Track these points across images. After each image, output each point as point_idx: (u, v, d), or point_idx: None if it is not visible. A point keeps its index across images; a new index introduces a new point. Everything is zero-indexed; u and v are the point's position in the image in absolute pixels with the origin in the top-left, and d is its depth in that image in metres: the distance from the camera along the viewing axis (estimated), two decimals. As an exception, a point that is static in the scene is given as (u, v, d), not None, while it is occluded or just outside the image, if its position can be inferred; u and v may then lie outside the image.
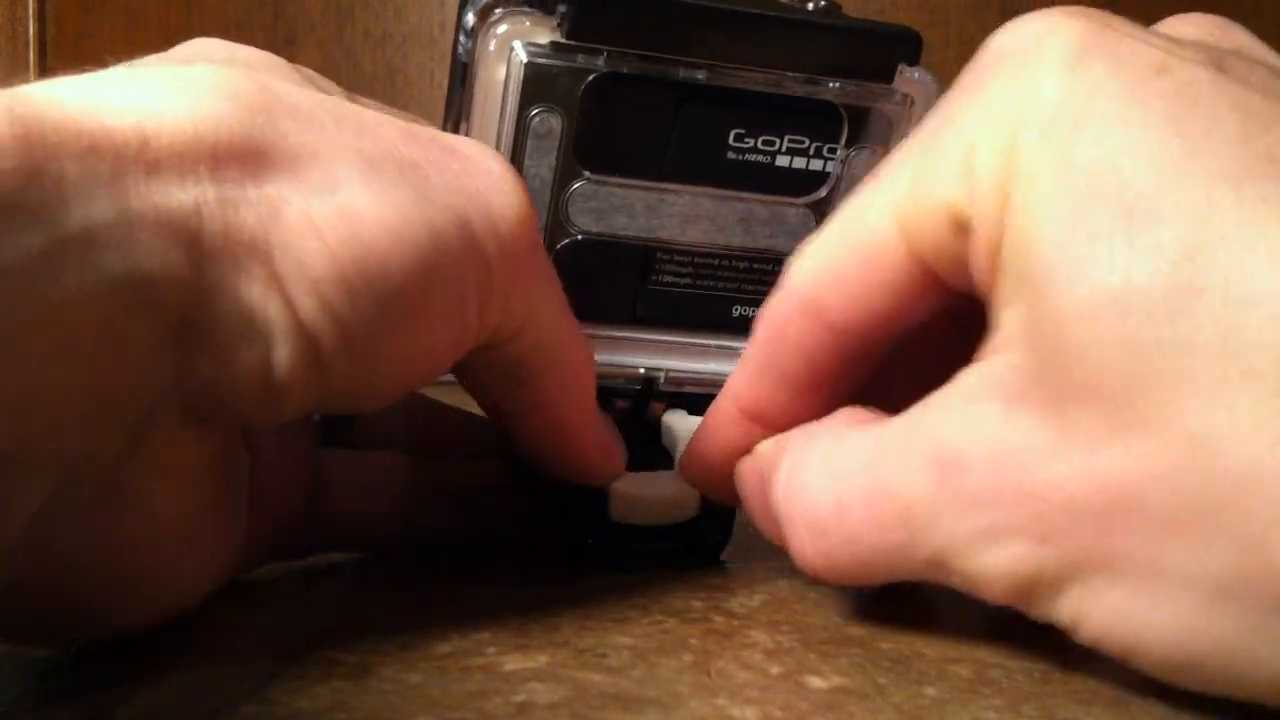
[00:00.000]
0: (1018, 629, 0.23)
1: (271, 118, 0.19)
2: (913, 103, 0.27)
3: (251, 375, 0.18)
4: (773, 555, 0.29)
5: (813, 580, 0.23)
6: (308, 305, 0.18)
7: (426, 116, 0.24)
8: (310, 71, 0.23)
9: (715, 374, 0.28)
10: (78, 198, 0.16)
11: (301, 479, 0.25)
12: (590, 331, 0.27)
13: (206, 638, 0.22)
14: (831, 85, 0.26)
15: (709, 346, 0.29)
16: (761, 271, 0.28)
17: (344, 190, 0.19)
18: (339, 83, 0.24)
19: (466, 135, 0.25)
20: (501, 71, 0.25)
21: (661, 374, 0.28)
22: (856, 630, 0.23)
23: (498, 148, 0.25)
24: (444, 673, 0.20)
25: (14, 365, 0.16)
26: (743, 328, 0.28)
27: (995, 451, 0.19)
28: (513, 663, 0.20)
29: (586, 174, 0.26)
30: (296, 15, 0.92)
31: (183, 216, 0.17)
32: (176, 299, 0.17)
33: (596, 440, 0.26)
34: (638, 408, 0.29)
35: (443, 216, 0.20)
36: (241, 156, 0.18)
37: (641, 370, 0.28)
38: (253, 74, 0.20)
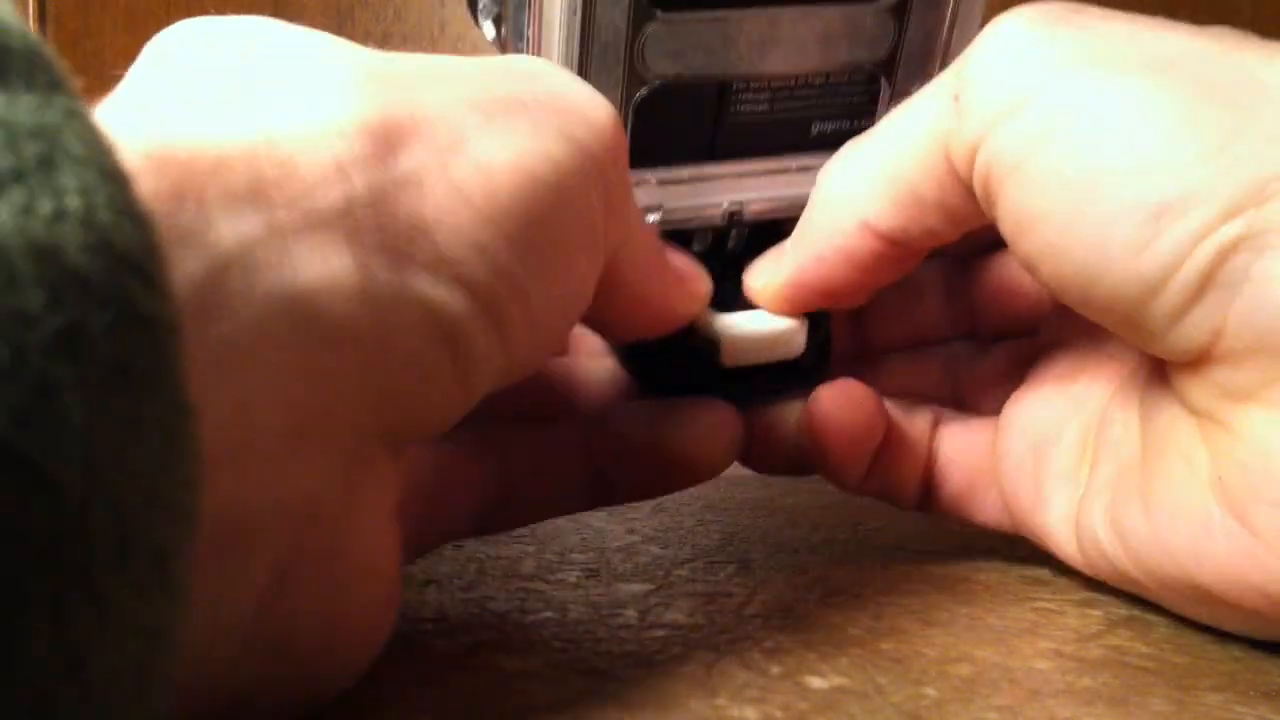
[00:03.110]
0: (1016, 629, 0.23)
1: (385, 87, 0.18)
2: None
3: (446, 374, 0.17)
4: (773, 555, 0.29)
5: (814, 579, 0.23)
6: (478, 275, 0.17)
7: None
8: None
9: (798, 196, 0.27)
10: (224, 216, 0.15)
11: (423, 482, 0.24)
12: (670, 175, 0.26)
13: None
14: None
15: (790, 168, 0.28)
16: (838, 84, 0.27)
17: (470, 144, 0.18)
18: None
19: (529, 3, 0.24)
20: None
21: (743, 206, 0.27)
22: (856, 630, 0.23)
23: (567, 4, 0.23)
24: (444, 673, 0.20)
25: (210, 414, 0.13)
26: (821, 144, 0.27)
27: None
28: (513, 663, 0.20)
29: (659, 13, 0.24)
30: (296, 15, 0.92)
31: (336, 216, 0.16)
32: (355, 311, 0.16)
33: (676, 285, 0.25)
34: (717, 242, 0.28)
35: (555, 143, 0.19)
36: (372, 134, 0.17)
37: (724, 205, 0.27)
38: (338, 43, 0.19)
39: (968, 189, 0.23)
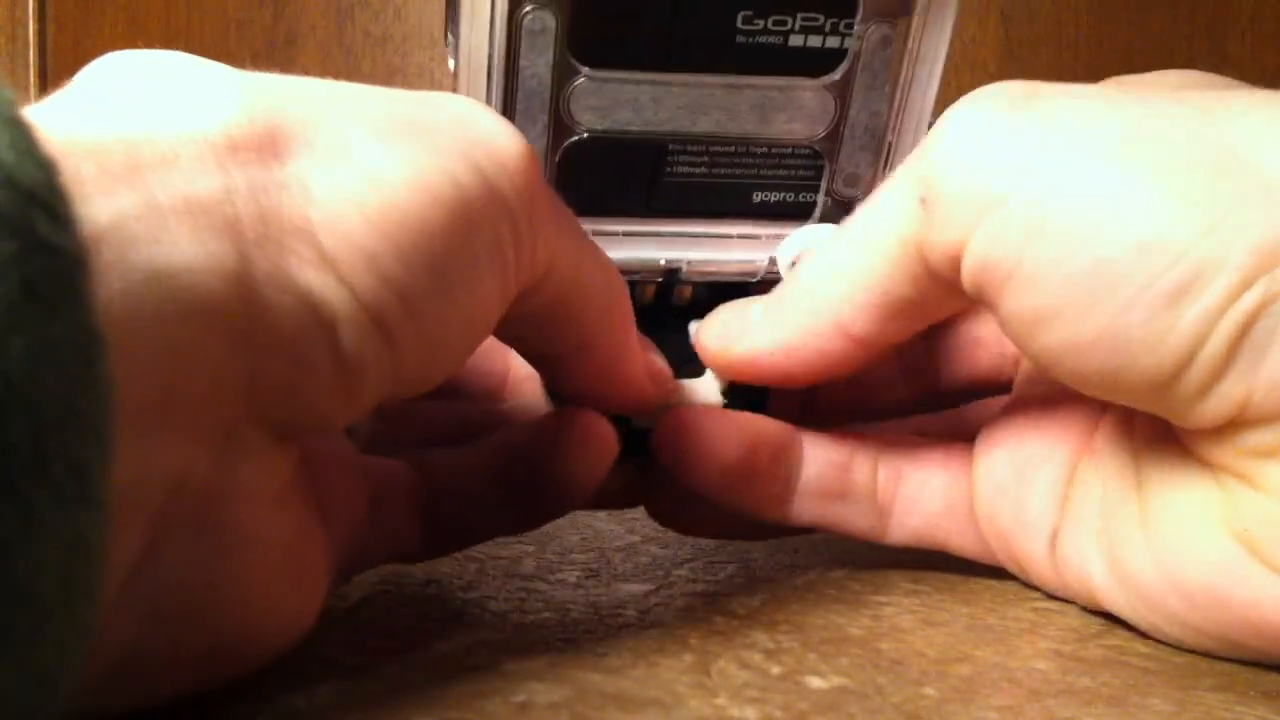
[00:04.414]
0: (1016, 629, 0.23)
1: (270, 96, 0.18)
2: None
3: (324, 368, 0.17)
4: (773, 555, 0.29)
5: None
6: (364, 280, 0.18)
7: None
8: None
9: (739, 262, 0.27)
10: (99, 193, 0.15)
11: (358, 490, 0.24)
12: (606, 227, 0.26)
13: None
14: None
15: (731, 235, 0.27)
16: (781, 156, 0.27)
17: (361, 156, 0.18)
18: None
19: (457, 41, 0.24)
20: None
21: (683, 264, 0.27)
22: (856, 630, 0.23)
23: (490, 50, 0.24)
24: (444, 673, 0.20)
25: None
26: (765, 214, 0.27)
27: None
28: (513, 663, 0.20)
29: (585, 70, 0.24)
30: (296, 15, 0.92)
31: (215, 204, 0.16)
32: (229, 293, 0.16)
33: (644, 366, 0.25)
34: (662, 299, 0.28)
35: (458, 166, 0.19)
36: (255, 137, 0.18)
37: (662, 262, 0.27)
38: (241, 72, 0.19)
39: (948, 287, 0.23)
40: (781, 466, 0.26)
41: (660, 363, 0.26)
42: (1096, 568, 0.23)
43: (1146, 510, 0.22)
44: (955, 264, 0.22)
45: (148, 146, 0.16)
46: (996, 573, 0.27)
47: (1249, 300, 0.19)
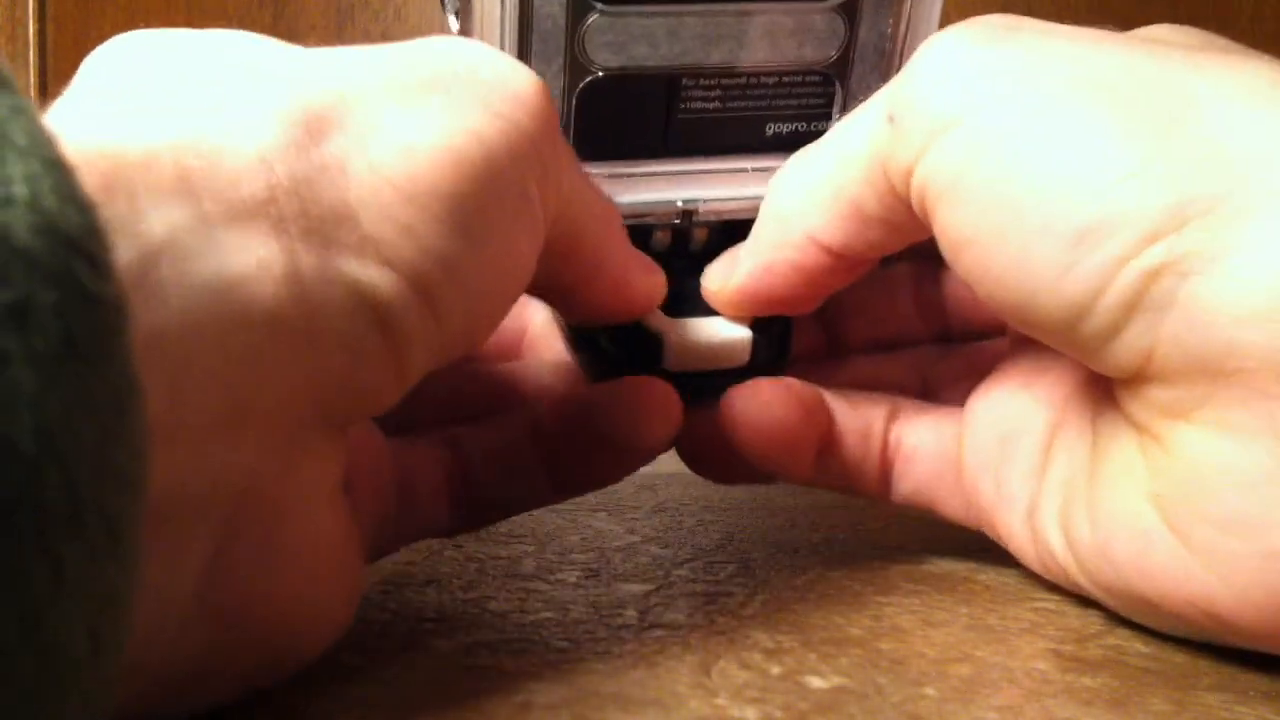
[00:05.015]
0: (1016, 629, 0.23)
1: (306, 79, 0.18)
2: None
3: (378, 352, 0.17)
4: (773, 555, 0.29)
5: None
6: (405, 254, 0.17)
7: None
8: None
9: (754, 197, 0.27)
10: (152, 207, 0.15)
11: (386, 478, 0.24)
12: (621, 170, 0.26)
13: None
14: None
15: (745, 169, 0.28)
16: (792, 85, 0.27)
17: (391, 126, 0.18)
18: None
19: None
20: None
21: (699, 204, 0.27)
22: (856, 630, 0.23)
23: None
24: (444, 673, 0.20)
25: (154, 394, 0.13)
26: (777, 145, 0.27)
27: None
28: (513, 663, 0.20)
29: (600, 5, 0.25)
30: (296, 15, 0.92)
31: (259, 205, 0.16)
32: (282, 297, 0.16)
33: (637, 270, 0.25)
34: (678, 242, 0.28)
35: (479, 118, 0.19)
36: (295, 126, 0.17)
37: (679, 203, 0.27)
38: (259, 42, 0.19)
39: (909, 205, 0.23)
40: (819, 433, 0.27)
41: (651, 268, 0.26)
42: (1057, 541, 0.24)
43: (1093, 483, 0.23)
44: (909, 180, 0.22)
45: (193, 149, 0.16)
46: (996, 572, 0.27)
47: (1152, 256, 0.19)
